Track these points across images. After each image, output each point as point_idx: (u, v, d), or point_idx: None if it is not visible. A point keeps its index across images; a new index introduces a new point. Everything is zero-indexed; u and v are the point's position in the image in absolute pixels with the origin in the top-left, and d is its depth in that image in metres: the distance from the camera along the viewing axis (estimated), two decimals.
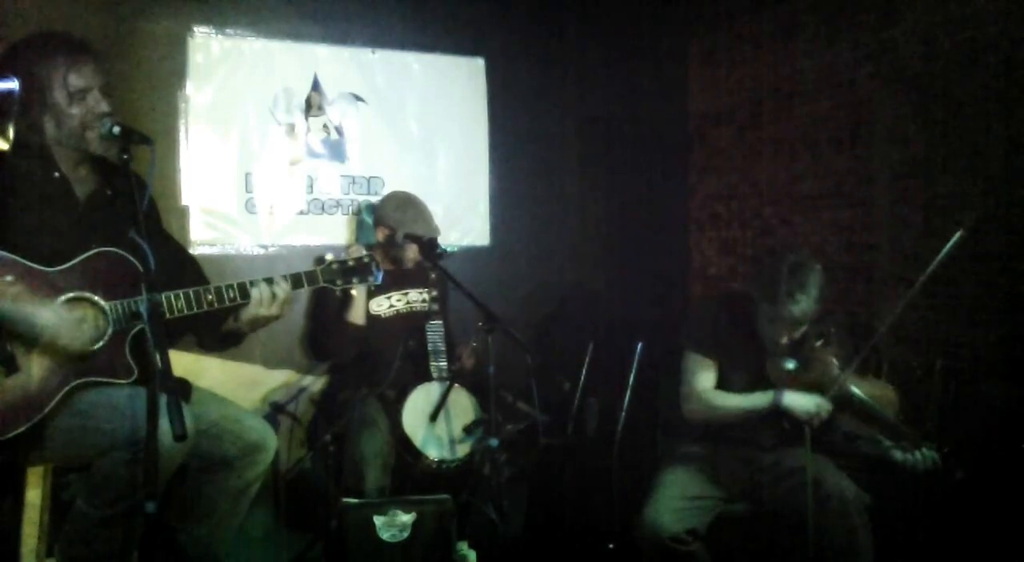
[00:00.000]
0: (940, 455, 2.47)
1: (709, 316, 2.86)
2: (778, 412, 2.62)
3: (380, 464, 2.73)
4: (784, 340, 2.67)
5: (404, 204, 3.22)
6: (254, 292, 2.19)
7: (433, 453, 2.82)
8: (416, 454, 2.80)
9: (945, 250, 2.40)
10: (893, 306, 3.23)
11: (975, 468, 2.50)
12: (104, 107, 2.13)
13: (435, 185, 3.71)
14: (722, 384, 2.79)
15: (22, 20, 2.90)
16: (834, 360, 2.62)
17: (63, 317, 1.99)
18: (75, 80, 2.10)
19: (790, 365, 2.61)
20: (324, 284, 2.30)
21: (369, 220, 3.51)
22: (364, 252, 2.37)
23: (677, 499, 2.63)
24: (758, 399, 2.67)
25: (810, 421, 2.56)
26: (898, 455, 2.50)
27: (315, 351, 3.43)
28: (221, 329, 2.34)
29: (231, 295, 2.17)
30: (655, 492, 2.67)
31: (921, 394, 2.89)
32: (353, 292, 2.37)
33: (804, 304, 2.54)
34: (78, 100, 2.11)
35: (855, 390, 2.57)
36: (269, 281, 2.22)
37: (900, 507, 2.80)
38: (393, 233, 3.11)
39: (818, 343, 2.61)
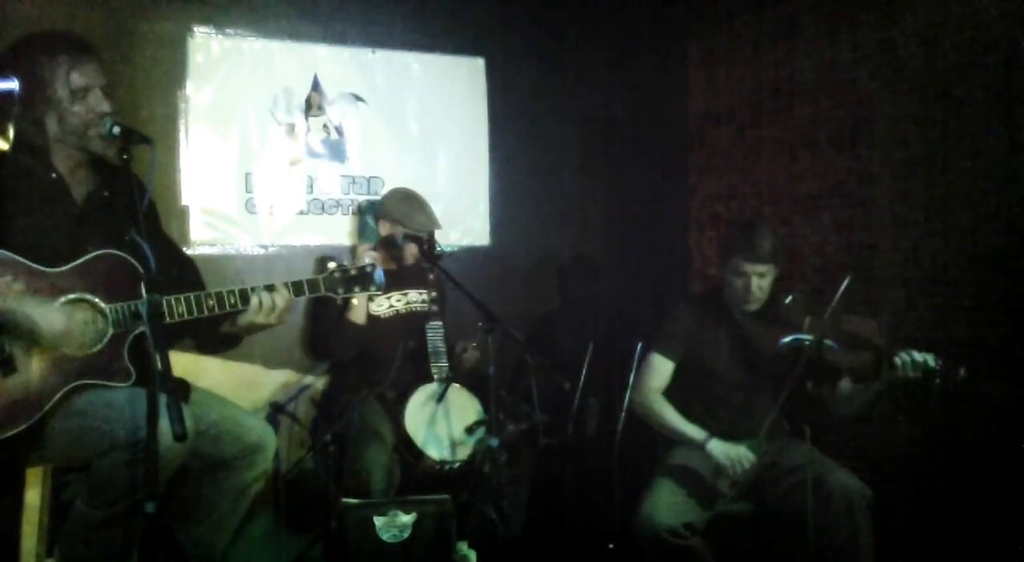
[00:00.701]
0: (939, 358, 2.45)
1: (678, 316, 2.97)
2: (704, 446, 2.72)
3: (384, 471, 2.73)
4: (753, 289, 2.76)
5: (406, 198, 3.25)
6: (254, 299, 2.17)
7: (435, 454, 2.82)
8: (418, 455, 2.80)
9: (838, 295, 2.58)
10: (894, 306, 3.25)
11: (975, 467, 2.50)
12: (105, 106, 2.13)
13: (435, 185, 3.71)
14: (708, 375, 2.87)
15: (23, 20, 2.90)
16: (805, 314, 2.70)
17: (67, 320, 2.00)
18: (77, 78, 2.10)
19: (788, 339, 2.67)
20: (326, 293, 2.29)
21: (371, 220, 3.51)
22: (368, 258, 2.36)
23: (674, 493, 2.65)
24: (690, 430, 2.79)
25: (731, 467, 2.64)
26: (888, 371, 2.49)
27: (315, 350, 3.43)
28: (219, 332, 2.33)
29: (232, 301, 2.16)
30: (652, 487, 2.68)
31: (920, 393, 2.89)
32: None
33: (761, 244, 2.74)
34: (80, 98, 2.11)
35: (833, 336, 2.59)
36: (270, 288, 2.20)
37: (902, 504, 2.80)
38: (397, 228, 3.12)
39: (788, 300, 2.73)
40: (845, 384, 2.68)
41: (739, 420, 2.81)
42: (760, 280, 2.77)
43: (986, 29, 2.92)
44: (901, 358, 2.42)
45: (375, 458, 2.73)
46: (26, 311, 1.95)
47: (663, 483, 2.69)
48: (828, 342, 2.58)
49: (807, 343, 2.59)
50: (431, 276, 3.07)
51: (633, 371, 3.17)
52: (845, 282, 2.56)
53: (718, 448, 2.69)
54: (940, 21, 3.07)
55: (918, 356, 2.42)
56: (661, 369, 2.92)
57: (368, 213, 3.56)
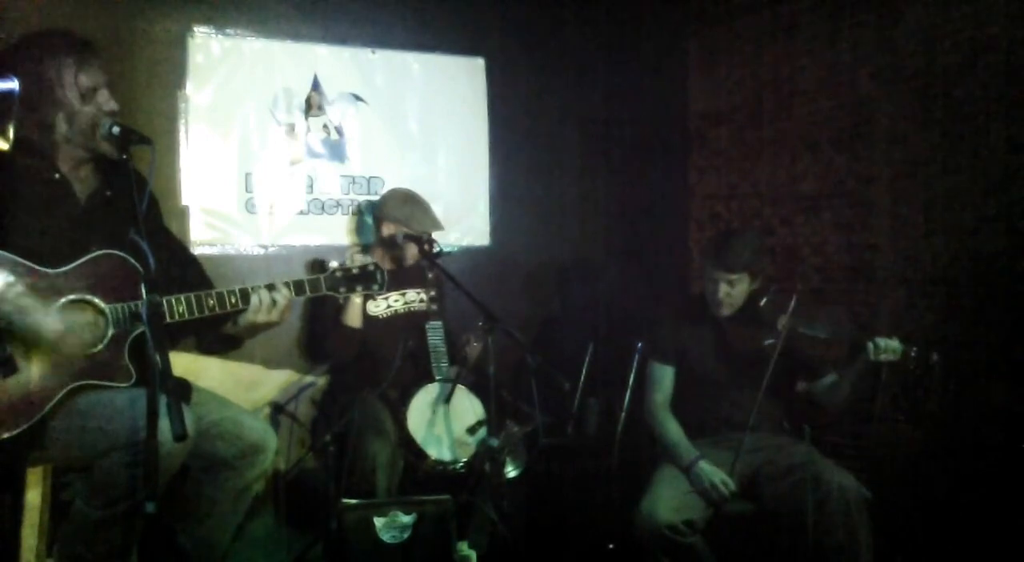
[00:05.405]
0: (912, 346, 2.57)
1: (664, 323, 3.03)
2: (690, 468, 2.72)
3: (391, 468, 2.73)
4: (721, 296, 2.81)
5: (408, 200, 3.24)
6: (254, 298, 2.17)
7: (436, 454, 2.82)
8: (420, 455, 2.80)
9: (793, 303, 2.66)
10: (894, 306, 3.25)
11: (975, 467, 2.51)
12: (113, 105, 2.13)
13: (435, 185, 3.71)
14: (698, 376, 2.91)
15: (22, 20, 2.90)
16: (780, 313, 2.73)
17: (65, 322, 1.99)
18: (85, 79, 2.09)
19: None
20: (327, 292, 2.29)
21: (369, 219, 3.51)
22: (370, 259, 2.36)
23: (674, 490, 2.65)
24: (683, 450, 2.78)
25: (708, 492, 2.63)
26: (869, 354, 2.59)
27: (312, 353, 3.43)
28: (220, 332, 2.33)
29: (233, 300, 2.16)
30: (653, 484, 2.69)
31: (920, 394, 2.89)
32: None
33: (731, 254, 2.78)
34: (89, 98, 2.10)
35: (804, 330, 2.67)
36: (270, 287, 2.20)
37: (900, 504, 2.80)
38: (399, 229, 3.12)
39: (763, 302, 2.77)
40: (826, 378, 2.79)
41: (731, 416, 2.84)
42: (729, 287, 2.81)
43: (986, 29, 2.92)
44: (870, 344, 2.56)
45: (380, 453, 2.72)
46: (25, 319, 1.95)
47: (664, 479, 2.70)
48: (802, 329, 2.66)
49: (780, 329, 2.67)
50: (430, 276, 3.07)
51: (633, 373, 3.18)
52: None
53: (704, 470, 2.68)
54: (940, 21, 3.07)
55: (881, 342, 2.56)
56: (662, 378, 2.96)
57: (367, 213, 3.56)
